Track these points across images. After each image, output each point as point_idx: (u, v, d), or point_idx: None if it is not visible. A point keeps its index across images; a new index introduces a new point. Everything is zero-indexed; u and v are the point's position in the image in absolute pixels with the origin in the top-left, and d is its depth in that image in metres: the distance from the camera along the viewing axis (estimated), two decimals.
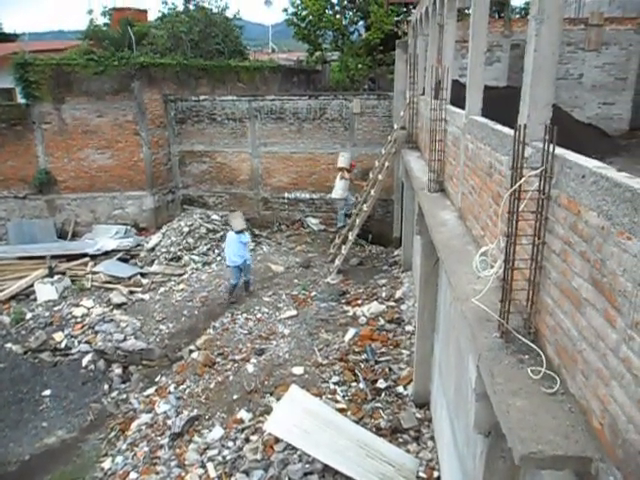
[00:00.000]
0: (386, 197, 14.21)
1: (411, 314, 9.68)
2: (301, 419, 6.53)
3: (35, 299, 11.49)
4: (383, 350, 8.83)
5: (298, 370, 8.37)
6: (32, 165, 14.59)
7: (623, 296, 1.83)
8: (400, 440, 6.86)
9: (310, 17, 20.47)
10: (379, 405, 7.52)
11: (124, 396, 9.06)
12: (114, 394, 9.14)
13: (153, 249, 13.55)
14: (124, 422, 8.34)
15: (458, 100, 5.79)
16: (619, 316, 1.85)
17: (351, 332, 9.41)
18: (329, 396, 7.67)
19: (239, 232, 11.14)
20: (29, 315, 10.90)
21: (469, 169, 4.78)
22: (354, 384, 8.00)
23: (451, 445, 5.42)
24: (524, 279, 2.82)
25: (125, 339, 9.93)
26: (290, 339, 9.42)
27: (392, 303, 10.51)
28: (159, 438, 7.70)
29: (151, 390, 8.99)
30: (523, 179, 2.71)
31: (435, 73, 6.58)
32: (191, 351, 9.69)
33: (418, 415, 7.32)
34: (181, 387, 8.70)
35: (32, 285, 11.79)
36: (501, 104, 5.20)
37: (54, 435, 8.29)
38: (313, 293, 11.40)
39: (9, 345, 10.07)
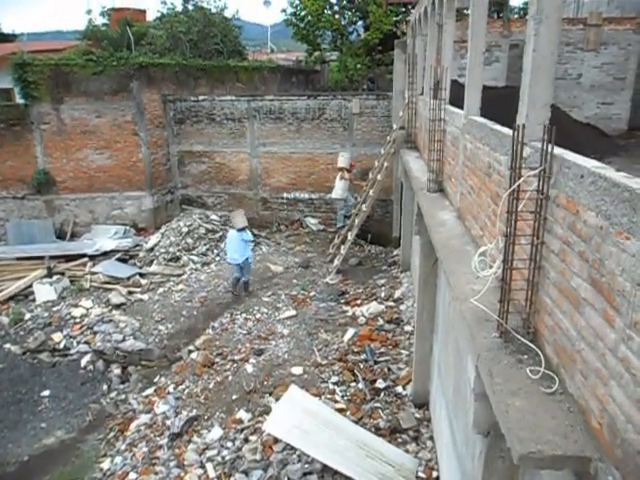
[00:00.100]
0: (385, 197, 14.21)
1: (410, 314, 9.68)
2: (300, 419, 6.53)
3: (34, 299, 11.48)
4: (382, 350, 8.83)
5: (297, 370, 8.37)
6: (31, 165, 14.58)
7: (622, 296, 1.83)
8: (399, 440, 6.86)
9: (309, 17, 20.47)
10: (378, 405, 7.51)
11: (123, 396, 9.05)
12: (113, 394, 9.13)
13: (152, 249, 13.55)
14: (123, 422, 8.33)
15: (457, 100, 5.79)
16: (618, 316, 1.86)
17: (350, 332, 9.41)
18: (328, 396, 7.67)
19: (241, 230, 11.15)
20: (28, 316, 10.89)
21: (468, 169, 4.78)
22: (353, 384, 8.00)
23: (450, 445, 5.42)
24: (523, 279, 2.82)
25: (124, 339, 9.92)
26: (289, 339, 9.42)
27: (391, 303, 10.51)
28: (158, 438, 7.69)
29: (150, 390, 8.98)
30: (522, 179, 2.71)
31: (434, 73, 6.58)
32: (190, 351, 9.68)
33: (417, 415, 7.32)
34: (180, 387, 8.70)
35: (31, 285, 11.78)
36: (500, 104, 5.21)
37: (53, 436, 8.28)
38: (312, 293, 11.40)
39: (8, 346, 10.05)
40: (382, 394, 7.77)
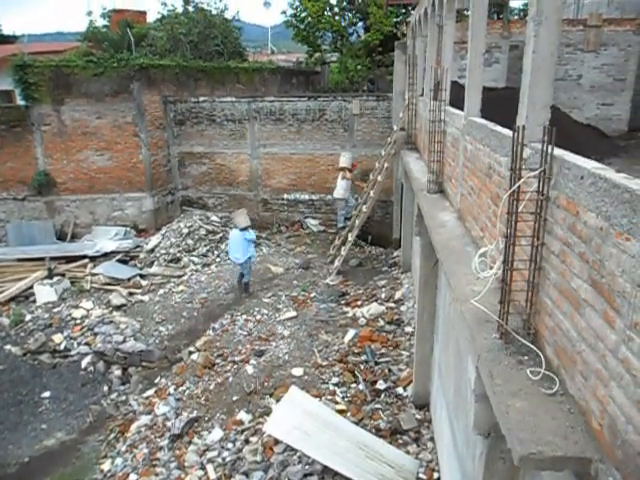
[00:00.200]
0: (386, 198, 14.22)
1: (411, 315, 9.68)
2: (301, 420, 6.52)
3: (34, 301, 11.49)
4: (383, 351, 8.83)
5: (298, 371, 8.36)
6: (31, 167, 14.60)
7: (622, 297, 1.83)
8: (400, 441, 6.86)
9: (309, 19, 20.48)
10: (379, 406, 7.51)
11: (123, 398, 9.04)
12: (113, 396, 9.13)
13: (152, 250, 13.55)
14: (124, 424, 8.32)
15: (457, 101, 5.79)
16: (618, 317, 1.86)
17: (351, 333, 9.40)
18: (329, 397, 7.67)
19: (243, 229, 11.16)
20: (28, 317, 10.89)
21: (468, 170, 4.78)
22: (354, 385, 8.00)
23: (451, 446, 5.42)
24: (523, 280, 2.82)
25: (124, 341, 9.92)
26: (290, 340, 9.41)
27: (392, 304, 10.51)
28: (159, 440, 7.69)
29: (151, 392, 8.97)
30: (522, 180, 2.71)
31: (434, 74, 6.58)
32: (191, 352, 9.68)
33: (418, 416, 7.32)
34: (181, 389, 8.69)
35: (31, 287, 11.78)
36: (500, 105, 5.21)
37: (53, 437, 8.27)
38: (313, 294, 11.39)
39: (8, 347, 10.05)
40: (383, 395, 7.77)
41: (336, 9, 20.92)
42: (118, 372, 9.60)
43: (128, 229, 15.03)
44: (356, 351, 8.86)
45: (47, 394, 9.12)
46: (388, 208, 14.66)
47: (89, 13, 21.37)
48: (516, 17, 22.13)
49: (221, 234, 14.36)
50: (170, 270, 12.88)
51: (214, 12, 21.36)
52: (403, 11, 19.91)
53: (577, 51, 12.94)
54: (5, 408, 8.79)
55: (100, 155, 14.87)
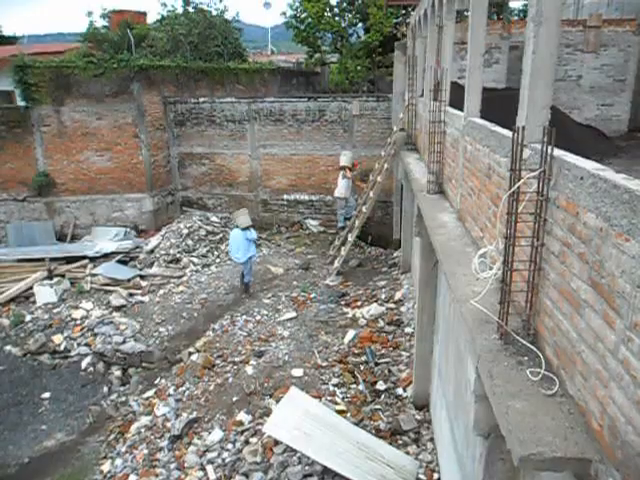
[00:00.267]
0: (385, 199, 14.22)
1: (411, 316, 9.68)
2: (301, 421, 6.52)
3: (34, 301, 11.48)
4: (383, 352, 8.83)
5: (297, 372, 8.36)
6: (31, 167, 14.60)
7: (622, 297, 1.83)
8: (400, 442, 6.86)
9: (309, 19, 20.51)
10: (379, 407, 7.51)
11: (123, 398, 9.04)
12: (113, 396, 9.12)
13: (152, 251, 13.55)
14: (123, 424, 8.32)
15: (457, 102, 5.79)
16: (618, 317, 1.86)
17: (351, 334, 9.40)
18: (329, 398, 7.67)
19: (245, 229, 11.16)
20: (28, 317, 10.90)
21: (468, 171, 4.78)
22: (354, 386, 8.00)
23: (451, 447, 5.41)
24: (523, 281, 2.82)
25: (124, 341, 9.92)
26: (290, 341, 9.41)
27: (392, 305, 10.51)
28: (158, 440, 7.68)
29: (150, 392, 8.97)
30: (522, 181, 2.71)
31: (434, 75, 6.59)
32: (190, 353, 9.67)
33: (417, 417, 7.31)
34: (180, 389, 8.69)
35: (31, 287, 11.78)
36: (500, 106, 5.21)
37: (53, 438, 8.27)
38: (312, 295, 11.40)
39: (8, 347, 10.06)
40: (382, 396, 7.77)
41: (336, 10, 20.96)
42: (118, 373, 9.60)
43: (128, 230, 15.03)
44: (356, 352, 8.86)
45: (47, 395, 9.12)
46: (388, 209, 14.66)
47: (89, 14, 21.33)
48: (516, 17, 22.13)
49: (221, 235, 14.37)
50: (170, 271, 12.88)
51: (214, 13, 21.38)
52: (403, 12, 19.92)
53: (577, 52, 12.94)
54: (5, 409, 8.79)
55: (100, 156, 14.88)
